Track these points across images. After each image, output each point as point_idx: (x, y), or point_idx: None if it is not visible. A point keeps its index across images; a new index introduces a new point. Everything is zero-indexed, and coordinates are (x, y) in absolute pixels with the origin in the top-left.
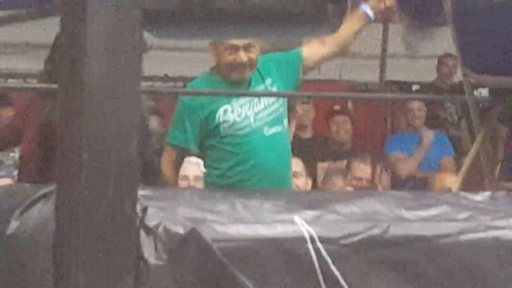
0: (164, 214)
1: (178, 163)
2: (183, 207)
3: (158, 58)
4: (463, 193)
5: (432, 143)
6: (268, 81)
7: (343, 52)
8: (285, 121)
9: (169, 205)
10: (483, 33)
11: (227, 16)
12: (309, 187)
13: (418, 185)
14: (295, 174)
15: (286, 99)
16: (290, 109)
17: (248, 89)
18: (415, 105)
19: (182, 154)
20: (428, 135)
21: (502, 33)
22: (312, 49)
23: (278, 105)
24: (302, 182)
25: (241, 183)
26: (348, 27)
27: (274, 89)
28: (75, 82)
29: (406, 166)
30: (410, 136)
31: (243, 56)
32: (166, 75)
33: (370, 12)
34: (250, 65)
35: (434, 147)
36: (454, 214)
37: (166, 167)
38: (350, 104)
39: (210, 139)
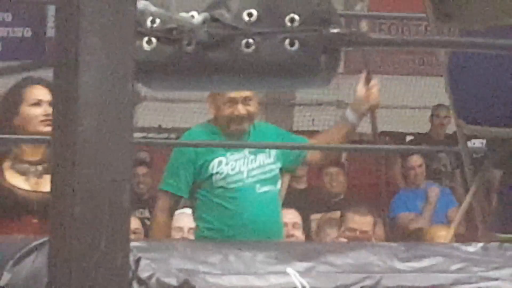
0: (157, 265)
1: (171, 210)
2: (176, 258)
3: (152, 109)
4: (455, 244)
5: (438, 197)
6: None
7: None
8: (278, 183)
9: (162, 256)
10: (477, 84)
11: (219, 68)
12: (303, 238)
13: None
14: (294, 225)
15: (280, 163)
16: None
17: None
18: (416, 162)
19: (175, 201)
20: (434, 191)
21: (496, 84)
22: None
23: (274, 167)
24: (300, 233)
25: (229, 238)
26: (336, 134)
27: (272, 158)
28: (68, 134)
29: (418, 226)
30: (413, 192)
31: (241, 109)
32: (160, 126)
33: (352, 117)
34: (248, 117)
35: (439, 200)
36: (446, 266)
37: (159, 214)
38: (344, 155)
39: (201, 189)
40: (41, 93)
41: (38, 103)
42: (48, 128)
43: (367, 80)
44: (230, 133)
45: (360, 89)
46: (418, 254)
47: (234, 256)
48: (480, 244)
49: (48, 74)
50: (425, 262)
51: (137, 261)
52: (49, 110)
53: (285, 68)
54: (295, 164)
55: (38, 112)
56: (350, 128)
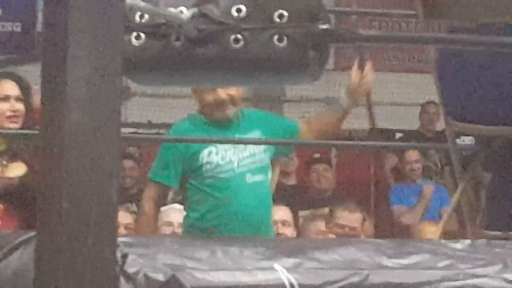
0: (144, 261)
1: (159, 201)
2: (163, 254)
3: (142, 104)
4: (443, 241)
5: (433, 194)
6: (257, 133)
7: (328, 137)
8: (269, 173)
9: (149, 252)
10: (466, 81)
11: (208, 63)
12: (294, 236)
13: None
14: (284, 223)
15: (272, 152)
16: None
17: (235, 133)
18: (413, 157)
19: (163, 190)
20: (429, 188)
21: (485, 82)
22: (304, 130)
23: (263, 156)
24: (290, 231)
25: (218, 227)
26: (329, 118)
27: (263, 145)
28: (56, 130)
29: (409, 219)
30: (409, 187)
31: (222, 93)
32: (149, 122)
33: (345, 101)
34: (231, 101)
35: (433, 197)
36: (434, 262)
37: (146, 203)
38: (333, 151)
39: (191, 179)
40: (9, 87)
41: (5, 98)
42: (14, 125)
43: (361, 65)
44: (217, 120)
45: (355, 72)
46: (406, 250)
47: (222, 251)
48: (468, 241)
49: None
50: (412, 259)
51: (124, 256)
52: (16, 105)
53: (273, 64)
54: (287, 149)
55: (4, 107)
56: (342, 113)
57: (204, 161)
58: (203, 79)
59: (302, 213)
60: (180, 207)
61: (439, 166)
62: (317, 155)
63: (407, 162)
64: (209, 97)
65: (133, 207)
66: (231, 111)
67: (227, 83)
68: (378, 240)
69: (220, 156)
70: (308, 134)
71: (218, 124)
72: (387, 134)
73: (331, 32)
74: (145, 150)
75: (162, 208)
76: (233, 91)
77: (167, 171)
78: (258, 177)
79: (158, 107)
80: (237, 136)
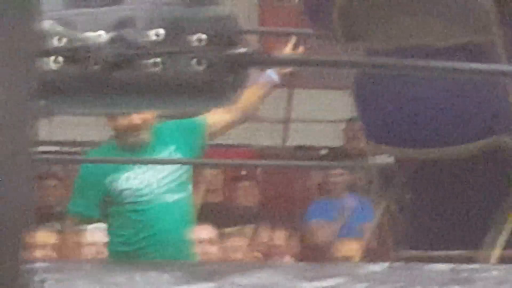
0: (63, 287)
1: (81, 229)
2: (82, 279)
3: (67, 123)
4: (361, 263)
5: (353, 209)
6: (172, 148)
7: (247, 117)
8: (189, 187)
9: (67, 277)
10: (383, 105)
11: (125, 88)
12: (219, 254)
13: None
14: (208, 241)
15: (184, 153)
16: (198, 172)
17: (150, 155)
18: (336, 171)
19: (84, 221)
20: (350, 201)
21: (401, 105)
22: (217, 116)
23: (182, 172)
24: (215, 249)
25: (142, 250)
26: (252, 93)
27: (178, 156)
28: None
29: (325, 233)
30: (330, 202)
31: (135, 118)
32: (72, 141)
33: (274, 76)
34: (144, 126)
35: (355, 212)
36: (351, 285)
37: (68, 234)
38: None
39: (112, 206)
40: None
41: None
42: None
43: (295, 46)
44: (130, 145)
45: (287, 50)
46: (324, 273)
47: (140, 276)
48: (386, 264)
49: None
50: (330, 282)
51: (42, 282)
52: None
53: (192, 88)
54: (203, 143)
55: None
56: (268, 85)
57: (123, 187)
58: (121, 103)
59: (227, 230)
60: (104, 226)
61: (365, 181)
62: (243, 172)
63: (330, 176)
64: (123, 122)
65: (57, 226)
66: (145, 135)
67: (144, 108)
68: (297, 263)
69: (138, 180)
70: (225, 117)
71: (132, 149)
72: (311, 151)
73: (248, 56)
74: (70, 168)
75: (86, 228)
76: (147, 114)
77: (87, 202)
78: (179, 195)
79: (83, 125)
80: (152, 157)
